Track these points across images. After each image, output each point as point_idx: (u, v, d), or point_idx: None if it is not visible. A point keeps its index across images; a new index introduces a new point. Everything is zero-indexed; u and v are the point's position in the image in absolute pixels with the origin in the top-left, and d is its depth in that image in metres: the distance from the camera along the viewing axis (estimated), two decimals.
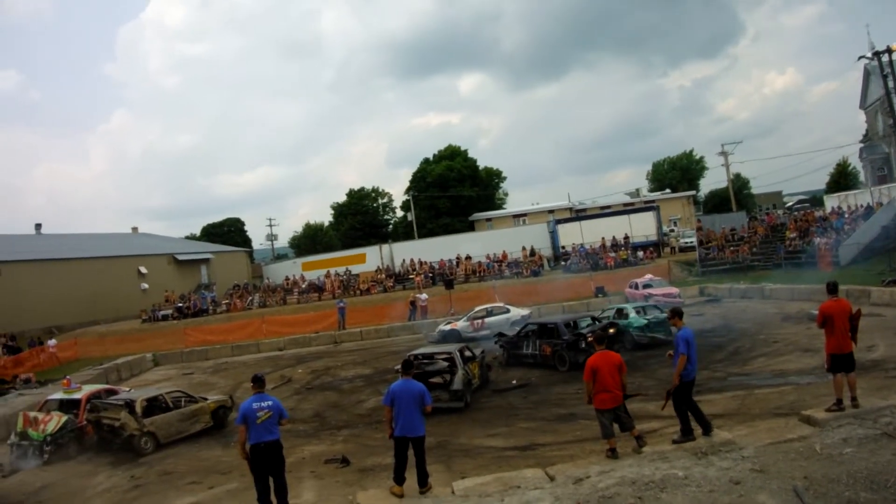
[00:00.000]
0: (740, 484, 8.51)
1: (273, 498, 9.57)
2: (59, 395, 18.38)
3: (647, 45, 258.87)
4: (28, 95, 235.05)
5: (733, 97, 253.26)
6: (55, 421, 16.43)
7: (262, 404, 9.60)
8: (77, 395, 17.84)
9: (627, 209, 61.03)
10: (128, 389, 20.69)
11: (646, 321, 22.52)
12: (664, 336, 21.66)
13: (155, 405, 16.92)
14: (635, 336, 22.30)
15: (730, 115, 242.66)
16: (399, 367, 10.60)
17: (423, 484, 9.72)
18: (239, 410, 9.72)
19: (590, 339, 19.41)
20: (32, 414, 16.91)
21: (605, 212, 67.21)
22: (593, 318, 23.16)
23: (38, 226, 62.69)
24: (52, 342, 36.08)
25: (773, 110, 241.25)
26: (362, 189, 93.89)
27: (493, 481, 9.79)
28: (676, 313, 11.04)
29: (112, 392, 18.98)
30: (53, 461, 15.71)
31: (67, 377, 21.65)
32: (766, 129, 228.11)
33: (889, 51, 34.93)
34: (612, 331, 20.39)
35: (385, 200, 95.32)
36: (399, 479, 9.67)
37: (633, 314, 23.07)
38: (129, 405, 16.25)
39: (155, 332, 40.48)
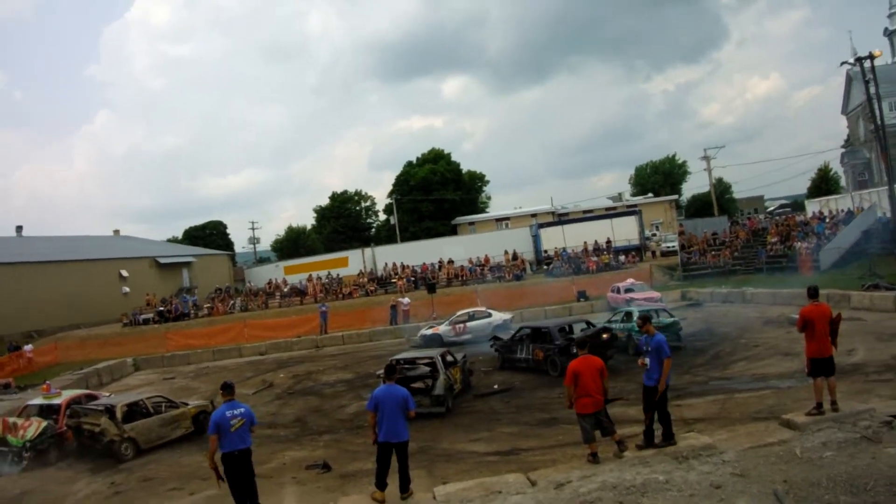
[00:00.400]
0: (721, 488, 8.54)
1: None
2: (38, 401, 18.23)
3: (631, 50, 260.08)
4: (11, 96, 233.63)
5: (717, 102, 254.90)
6: (35, 427, 16.26)
7: (235, 412, 9.60)
8: (57, 401, 17.70)
9: (610, 213, 61.25)
10: (108, 395, 20.55)
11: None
12: (671, 341, 21.04)
13: (135, 410, 16.78)
14: (637, 340, 21.37)
15: (713, 120, 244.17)
16: (382, 372, 10.59)
17: (405, 490, 9.70)
18: (210, 420, 9.68)
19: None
20: (12, 419, 16.75)
21: (588, 216, 67.36)
22: (588, 323, 22.58)
23: (20, 228, 62.33)
24: (28, 347, 35.61)
25: (757, 115, 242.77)
26: (345, 192, 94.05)
27: (475, 486, 9.78)
28: (646, 320, 11.04)
29: (92, 397, 18.85)
30: (33, 467, 15.56)
31: (47, 382, 21.46)
32: (749, 133, 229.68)
33: (871, 56, 35.15)
34: (605, 336, 20.06)
35: (368, 204, 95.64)
36: (381, 484, 9.64)
37: (636, 318, 21.60)
38: (110, 411, 16.14)
39: (136, 337, 40.12)
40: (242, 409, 9.69)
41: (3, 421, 16.69)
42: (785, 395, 14.52)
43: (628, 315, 23.37)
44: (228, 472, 9.49)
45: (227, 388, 9.98)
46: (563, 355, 19.62)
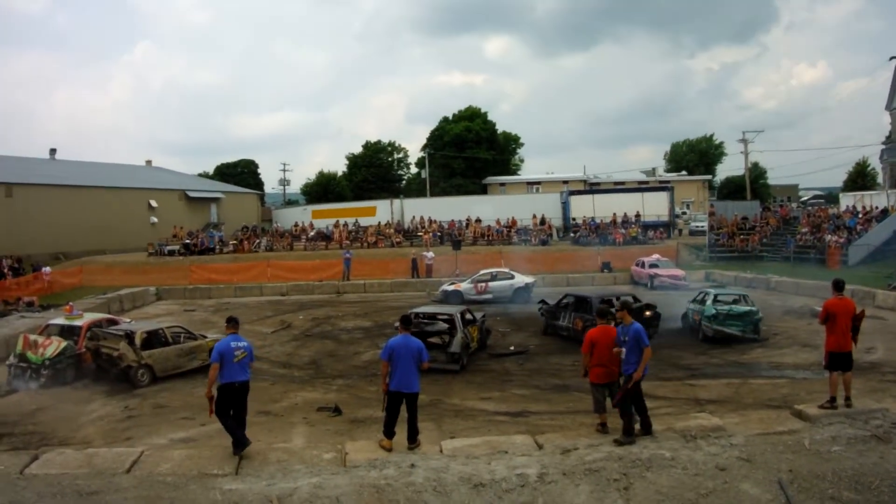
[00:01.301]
0: (726, 470, 8.58)
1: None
2: (60, 321, 18.45)
3: (680, 25, 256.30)
4: (54, 19, 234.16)
5: (760, 85, 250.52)
6: (54, 346, 16.46)
7: (239, 344, 9.81)
8: (78, 322, 17.89)
9: (642, 187, 60.77)
10: (129, 321, 20.79)
11: (714, 311, 19.83)
12: (739, 332, 19.49)
13: (154, 339, 16.99)
14: (703, 327, 20.03)
15: (754, 104, 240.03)
16: (398, 322, 10.63)
17: (413, 440, 9.80)
18: (214, 348, 9.87)
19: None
20: (33, 337, 16.94)
21: (619, 188, 67.01)
22: (634, 298, 20.59)
23: (53, 151, 62.69)
24: (46, 269, 35.65)
25: (799, 103, 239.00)
26: (379, 142, 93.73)
27: (482, 444, 9.88)
28: (626, 306, 10.44)
29: (113, 322, 19.04)
30: (50, 385, 15.80)
31: (70, 304, 21.75)
32: (790, 120, 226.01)
33: None
34: (647, 313, 19.39)
35: (401, 156, 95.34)
36: (389, 433, 9.75)
37: (709, 301, 20.40)
38: (129, 336, 16.34)
39: (160, 267, 40.57)
40: (245, 343, 9.89)
41: (25, 338, 16.91)
42: (799, 385, 14.49)
43: (705, 295, 21.08)
44: (225, 402, 9.69)
45: (232, 322, 10.23)
46: None
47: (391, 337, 10.29)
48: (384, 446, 9.66)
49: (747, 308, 19.91)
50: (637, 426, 9.99)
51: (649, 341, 10.08)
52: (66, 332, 17.54)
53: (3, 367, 17.43)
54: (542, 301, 23.78)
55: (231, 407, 9.76)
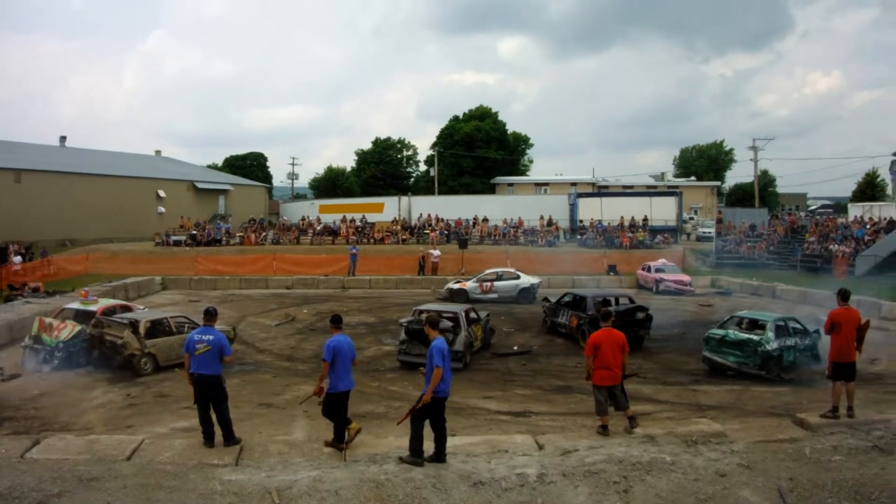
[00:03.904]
0: (726, 476, 8.57)
1: (217, 429, 9.85)
2: (75, 305, 18.75)
3: (695, 29, 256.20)
4: (70, 6, 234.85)
5: (773, 93, 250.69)
6: (69, 329, 16.70)
7: (204, 337, 9.85)
8: (93, 308, 18.21)
9: (650, 191, 60.84)
10: (142, 308, 20.90)
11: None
12: (735, 363, 16.29)
13: (158, 328, 17.07)
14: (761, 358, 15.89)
15: (767, 111, 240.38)
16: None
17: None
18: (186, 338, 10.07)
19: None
20: (48, 320, 17.17)
21: (628, 191, 66.97)
22: (630, 300, 21.66)
23: (63, 138, 62.95)
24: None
25: (812, 111, 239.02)
26: (388, 139, 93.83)
27: (483, 443, 9.90)
28: (430, 321, 9.87)
29: (127, 308, 19.26)
30: (62, 368, 15.98)
31: (85, 289, 21.92)
32: (802, 128, 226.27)
33: None
34: (640, 315, 19.63)
35: (410, 153, 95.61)
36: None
37: (769, 332, 16.08)
38: (134, 325, 16.42)
39: (166, 257, 40.59)
40: (211, 337, 9.84)
41: (40, 320, 17.12)
42: (801, 394, 14.45)
43: (753, 323, 16.89)
44: (196, 393, 9.85)
45: (208, 314, 10.34)
46: (593, 326, 18.98)
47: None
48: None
49: (746, 336, 16.20)
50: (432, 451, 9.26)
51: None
52: (81, 316, 17.83)
53: (8, 351, 17.54)
54: (545, 299, 24.36)
55: (203, 399, 9.83)
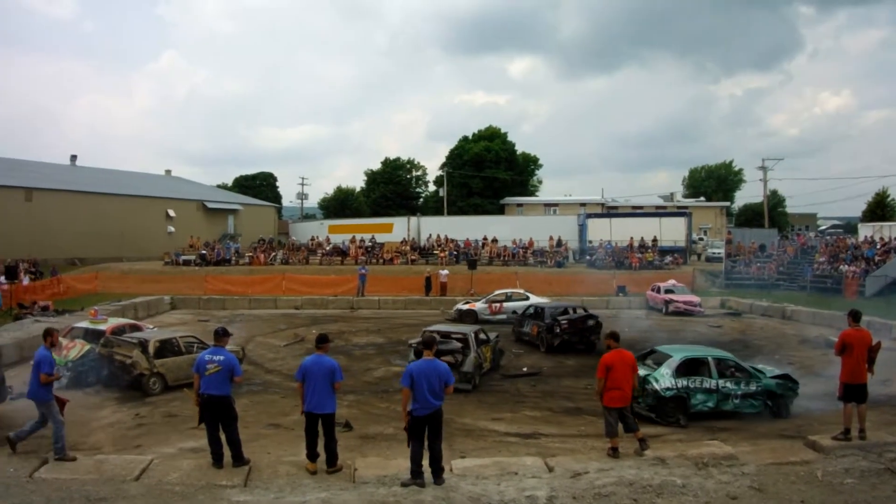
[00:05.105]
0: (737, 499, 8.51)
1: (226, 449, 9.82)
2: (84, 324, 18.80)
3: (705, 50, 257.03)
4: (81, 27, 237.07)
5: (783, 112, 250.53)
6: (78, 348, 16.75)
7: (215, 358, 9.82)
8: (102, 327, 18.26)
9: (659, 212, 60.72)
10: (152, 327, 20.91)
11: (671, 386, 13.80)
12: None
13: (167, 347, 17.06)
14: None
15: (777, 131, 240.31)
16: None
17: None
18: (196, 359, 10.04)
19: (564, 326, 22.06)
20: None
21: (637, 212, 66.92)
22: (584, 310, 24.19)
23: (74, 157, 63.61)
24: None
25: (822, 130, 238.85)
26: (398, 159, 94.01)
27: (492, 465, 9.86)
28: (425, 342, 9.84)
29: (136, 328, 19.30)
30: (71, 387, 15.87)
31: (95, 308, 21.97)
32: (811, 148, 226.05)
33: None
34: (591, 322, 22.72)
35: (419, 173, 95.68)
36: (310, 455, 9.76)
37: (665, 368, 14.10)
38: (143, 344, 16.42)
39: (176, 276, 40.76)
40: (222, 357, 9.82)
41: None
42: (813, 416, 14.35)
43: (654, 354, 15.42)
44: (205, 413, 9.81)
45: (218, 334, 10.31)
46: (549, 333, 22.27)
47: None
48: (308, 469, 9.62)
49: (645, 373, 13.82)
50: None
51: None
52: (91, 335, 17.87)
53: (17, 369, 17.56)
54: (514, 311, 27.85)
55: (213, 420, 9.81)
